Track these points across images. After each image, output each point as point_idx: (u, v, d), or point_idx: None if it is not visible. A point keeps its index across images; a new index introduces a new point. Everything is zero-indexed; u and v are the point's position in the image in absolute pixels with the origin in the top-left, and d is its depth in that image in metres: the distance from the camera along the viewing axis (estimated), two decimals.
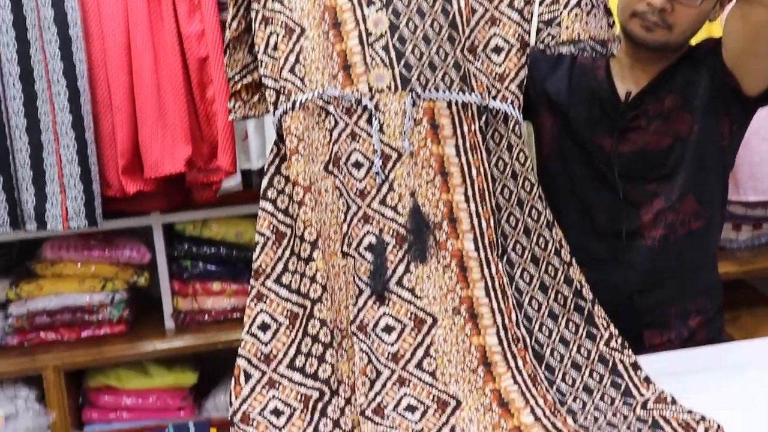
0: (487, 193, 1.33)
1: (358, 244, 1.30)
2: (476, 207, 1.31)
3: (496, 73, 1.38)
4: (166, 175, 2.30)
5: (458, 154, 1.32)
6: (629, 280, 1.79)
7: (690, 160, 1.82)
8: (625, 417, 1.28)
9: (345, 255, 1.31)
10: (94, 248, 2.51)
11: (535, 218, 1.43)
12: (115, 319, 2.54)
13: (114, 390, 2.53)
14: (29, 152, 2.21)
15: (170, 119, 2.28)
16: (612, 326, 1.40)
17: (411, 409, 1.20)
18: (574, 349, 1.38)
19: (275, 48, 1.35)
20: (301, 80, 1.33)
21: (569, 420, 1.19)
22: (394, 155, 1.30)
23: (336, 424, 1.27)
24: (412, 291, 1.29)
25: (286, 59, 1.33)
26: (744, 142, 2.26)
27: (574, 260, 1.42)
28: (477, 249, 1.30)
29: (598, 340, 1.39)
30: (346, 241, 1.31)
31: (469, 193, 1.32)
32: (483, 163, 1.34)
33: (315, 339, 1.31)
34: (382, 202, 1.30)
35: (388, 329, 1.28)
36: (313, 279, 1.30)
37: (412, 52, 1.33)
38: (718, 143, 1.83)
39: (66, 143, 2.20)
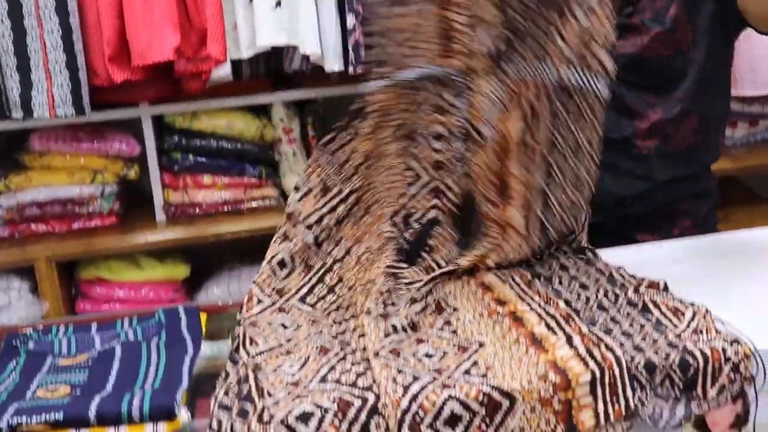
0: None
1: (421, 216, 1.28)
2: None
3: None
4: (154, 64, 2.24)
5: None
6: (622, 185, 1.73)
7: (693, 78, 1.74)
8: (616, 298, 1.27)
9: (394, 224, 1.28)
10: (83, 140, 2.45)
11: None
12: (106, 211, 2.53)
13: (106, 282, 2.51)
14: (12, 38, 2.15)
15: (157, 5, 2.21)
16: None
17: (429, 356, 1.17)
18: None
19: None
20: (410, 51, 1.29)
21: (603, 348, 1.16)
22: (476, 135, 1.26)
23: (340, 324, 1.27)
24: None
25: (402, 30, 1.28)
26: (744, 33, 2.19)
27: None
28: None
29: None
30: (404, 210, 1.28)
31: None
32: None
33: (330, 290, 1.28)
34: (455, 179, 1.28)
35: (413, 301, 1.24)
36: (338, 242, 1.29)
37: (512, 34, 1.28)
38: (724, 67, 1.78)
39: (50, 28, 2.15)
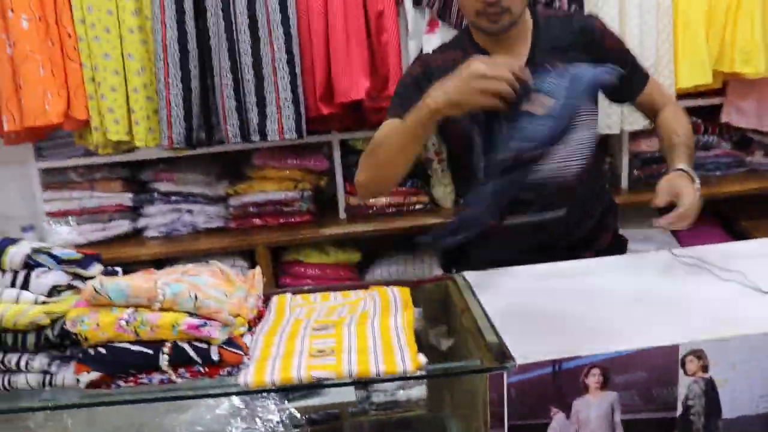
0: None
1: None
2: None
3: None
4: (350, 101, 2.43)
5: None
6: (563, 218, 1.73)
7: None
8: None
9: None
10: (289, 158, 2.65)
11: None
12: (304, 210, 2.70)
13: (302, 263, 2.69)
14: (254, 82, 2.35)
15: (355, 59, 2.40)
16: None
17: None
18: None
19: None
20: None
21: None
22: None
23: None
24: None
25: None
26: None
27: None
28: None
29: None
30: None
31: None
32: None
33: None
34: None
35: None
36: None
37: None
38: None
39: (282, 76, 2.35)
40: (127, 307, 1.35)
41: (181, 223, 2.67)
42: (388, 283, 1.71)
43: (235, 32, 2.32)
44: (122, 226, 2.67)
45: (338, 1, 2.37)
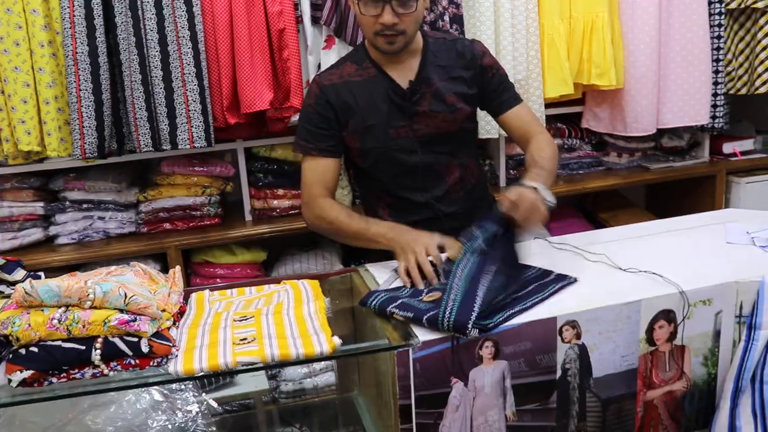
0: None
1: None
2: None
3: None
4: (254, 112, 2.43)
5: None
6: (453, 227, 1.76)
7: (468, 136, 1.92)
8: None
9: None
10: (196, 165, 2.62)
11: None
12: (212, 214, 2.68)
13: (211, 264, 2.66)
14: (164, 94, 2.32)
15: (259, 72, 2.39)
16: None
17: None
18: None
19: None
20: None
21: None
22: None
23: None
24: None
25: None
26: (629, 93, 2.47)
27: None
28: None
29: None
30: None
31: None
32: None
33: None
34: None
35: None
36: None
37: None
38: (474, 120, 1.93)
39: (191, 88, 2.33)
40: (59, 307, 1.35)
41: (93, 229, 2.61)
42: (299, 278, 1.76)
43: (145, 47, 2.28)
44: (34, 234, 2.58)
45: (243, 19, 2.36)
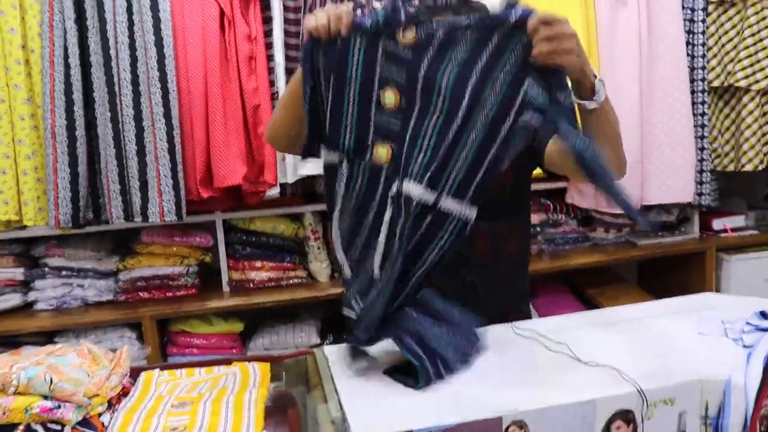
0: None
1: None
2: None
3: None
4: (229, 186, 2.40)
5: None
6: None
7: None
8: None
9: None
10: (176, 235, 2.59)
11: None
12: (189, 284, 2.64)
13: (188, 333, 2.61)
14: (138, 168, 2.30)
15: (233, 147, 2.37)
16: None
17: None
18: None
19: None
20: None
21: None
22: None
23: None
24: None
25: None
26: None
27: None
28: None
29: None
30: None
31: None
32: None
33: None
34: None
35: None
36: None
37: None
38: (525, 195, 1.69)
39: (163, 163, 2.30)
40: None
41: (71, 296, 2.56)
42: (251, 359, 1.66)
43: (120, 122, 2.27)
44: (13, 299, 2.54)
45: (217, 96, 2.35)
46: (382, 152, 1.27)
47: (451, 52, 1.20)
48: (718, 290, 3.15)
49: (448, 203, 1.23)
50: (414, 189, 1.22)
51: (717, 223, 3.22)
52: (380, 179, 1.27)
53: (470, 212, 1.24)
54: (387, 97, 1.25)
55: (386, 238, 1.27)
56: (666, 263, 3.26)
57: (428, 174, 1.22)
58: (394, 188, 1.24)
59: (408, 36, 1.22)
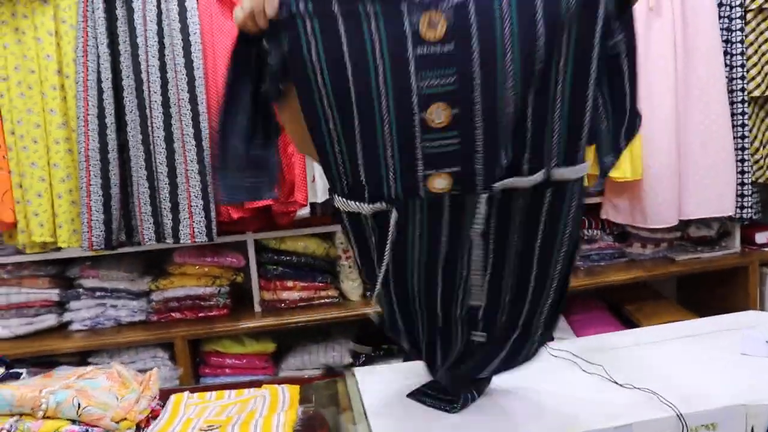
0: None
1: None
2: None
3: None
4: (259, 207, 2.40)
5: None
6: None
7: None
8: None
9: None
10: (207, 256, 2.59)
11: None
12: (221, 305, 2.63)
13: (220, 354, 2.60)
14: (169, 189, 2.31)
15: None
16: None
17: None
18: None
19: None
20: None
21: None
22: None
23: None
24: None
25: None
26: (648, 184, 2.31)
27: None
28: None
29: None
30: None
31: None
32: None
33: None
34: None
35: None
36: None
37: None
38: None
39: (194, 184, 2.31)
40: (12, 415, 1.29)
41: (105, 317, 2.57)
42: (282, 382, 1.66)
43: (152, 144, 2.29)
44: (48, 320, 2.56)
45: None
46: (441, 184, 0.99)
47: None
48: (762, 307, 3.04)
49: (562, 172, 1.02)
50: (516, 181, 0.99)
51: (760, 237, 3.12)
52: (443, 209, 1.01)
53: (584, 167, 1.04)
54: (433, 113, 0.95)
55: (484, 266, 1.05)
56: (707, 279, 3.17)
57: (525, 154, 0.99)
58: (481, 201, 0.97)
59: (433, 28, 0.90)
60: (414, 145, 0.95)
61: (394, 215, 0.99)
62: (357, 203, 1.02)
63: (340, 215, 1.09)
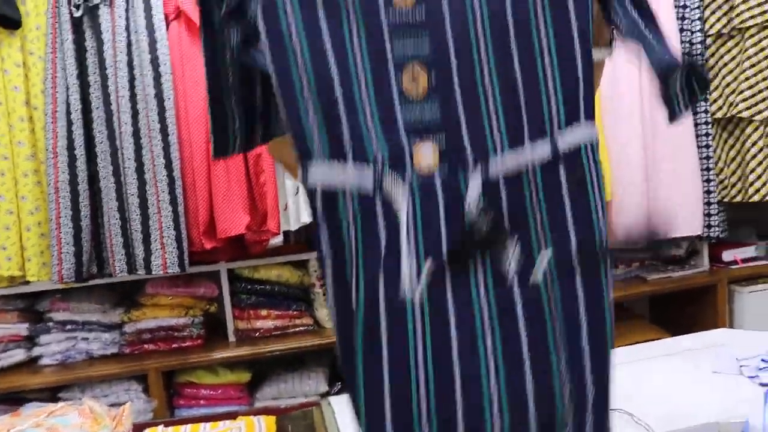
0: None
1: None
2: None
3: None
4: (232, 236, 2.39)
5: None
6: None
7: None
8: None
9: None
10: (180, 286, 2.57)
11: None
12: (195, 335, 2.60)
13: (195, 385, 2.57)
14: (140, 220, 2.29)
15: (235, 197, 2.36)
16: None
17: None
18: None
19: None
20: None
21: None
22: None
23: None
24: None
25: None
26: (618, 204, 2.34)
27: None
28: None
29: None
30: None
31: None
32: None
33: None
34: None
35: None
36: None
37: None
38: None
39: (165, 215, 2.30)
40: None
41: (76, 350, 2.53)
42: (257, 413, 1.64)
43: (122, 175, 2.27)
44: (17, 355, 2.50)
45: None
46: (427, 157, 0.89)
47: None
48: (731, 323, 3.09)
49: (567, 137, 0.93)
50: (517, 157, 0.89)
51: (727, 255, 3.17)
52: (437, 192, 0.89)
53: (594, 130, 0.96)
54: (410, 82, 0.88)
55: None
56: (678, 297, 3.21)
57: (523, 126, 0.90)
58: (474, 184, 0.87)
59: None
60: (393, 112, 0.87)
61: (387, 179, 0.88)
62: (340, 162, 0.90)
63: (315, 211, 0.96)
